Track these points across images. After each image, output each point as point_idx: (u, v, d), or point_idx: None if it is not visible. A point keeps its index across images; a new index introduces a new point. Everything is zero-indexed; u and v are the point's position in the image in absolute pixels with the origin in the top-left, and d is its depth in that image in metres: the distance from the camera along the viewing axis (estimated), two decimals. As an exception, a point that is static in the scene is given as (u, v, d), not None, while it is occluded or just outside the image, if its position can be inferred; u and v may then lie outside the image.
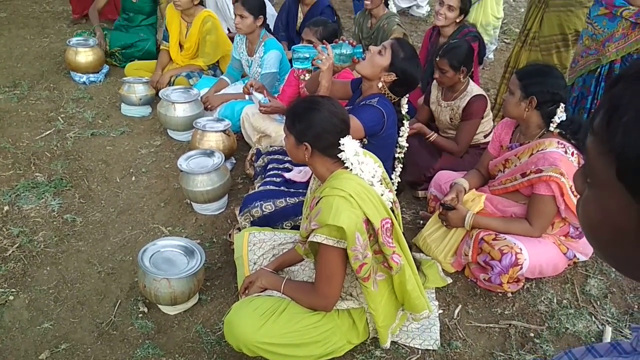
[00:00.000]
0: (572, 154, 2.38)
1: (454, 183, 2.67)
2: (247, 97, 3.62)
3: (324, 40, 2.64)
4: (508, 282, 2.43)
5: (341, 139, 1.90)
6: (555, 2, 3.32)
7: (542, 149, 2.40)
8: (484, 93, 3.18)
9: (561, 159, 2.34)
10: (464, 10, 3.56)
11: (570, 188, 2.34)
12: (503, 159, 2.61)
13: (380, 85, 2.55)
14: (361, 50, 2.58)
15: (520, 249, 2.38)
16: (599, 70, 2.85)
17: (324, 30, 3.21)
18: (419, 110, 3.49)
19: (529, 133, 2.53)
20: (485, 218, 2.52)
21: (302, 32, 3.30)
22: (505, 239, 2.42)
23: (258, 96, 3.25)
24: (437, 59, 3.06)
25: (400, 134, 2.73)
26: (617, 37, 2.70)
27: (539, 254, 2.43)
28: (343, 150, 1.89)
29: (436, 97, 3.28)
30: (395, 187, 2.84)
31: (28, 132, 3.67)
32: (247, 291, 2.14)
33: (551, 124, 2.43)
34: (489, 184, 2.74)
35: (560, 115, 2.42)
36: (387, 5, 4.20)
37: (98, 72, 4.42)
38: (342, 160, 1.92)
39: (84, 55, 4.29)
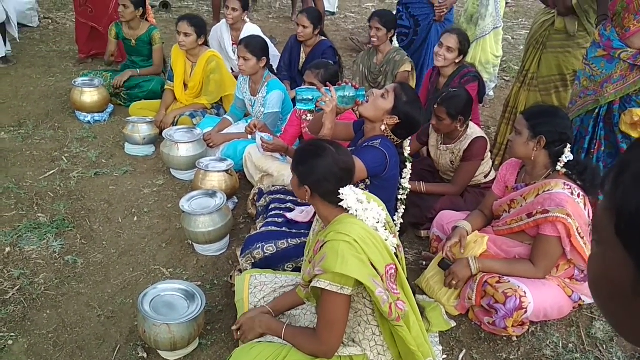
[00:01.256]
0: (579, 195, 2.38)
1: (456, 227, 2.66)
2: (249, 136, 3.66)
3: (328, 83, 2.67)
4: (512, 326, 2.39)
5: (341, 188, 1.91)
6: (553, 43, 3.37)
7: (548, 190, 2.40)
8: (484, 135, 3.20)
9: (567, 200, 2.34)
10: (463, 51, 3.62)
11: (577, 229, 2.34)
12: (508, 200, 2.61)
13: (383, 127, 2.57)
14: (364, 92, 2.61)
15: (525, 292, 2.36)
16: (597, 110, 2.87)
17: (325, 72, 3.26)
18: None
19: (535, 173, 2.53)
20: (488, 260, 2.51)
21: (304, 75, 3.35)
22: (509, 281, 2.40)
23: (262, 135, 3.28)
24: (435, 106, 3.09)
25: (403, 176, 2.74)
26: (616, 79, 2.73)
27: (543, 297, 2.41)
28: (343, 200, 1.90)
29: (435, 140, 3.30)
30: (398, 229, 2.83)
31: (32, 172, 3.69)
32: (241, 333, 2.12)
33: (558, 164, 2.44)
34: (492, 224, 2.73)
35: (568, 155, 2.43)
36: (391, 41, 4.28)
37: (103, 112, 4.47)
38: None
39: (89, 95, 4.35)
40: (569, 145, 2.43)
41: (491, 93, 5.29)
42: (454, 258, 2.57)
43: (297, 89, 2.70)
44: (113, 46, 4.88)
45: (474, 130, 3.17)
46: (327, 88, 2.59)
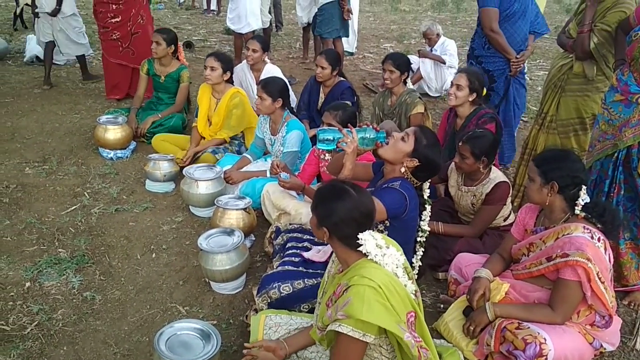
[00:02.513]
0: (599, 239, 2.36)
1: (477, 277, 2.62)
2: (268, 174, 3.71)
3: (349, 125, 2.72)
4: (532, 374, 2.33)
5: (360, 233, 1.91)
6: (572, 87, 3.38)
7: (568, 233, 2.38)
8: (507, 180, 3.19)
9: (588, 244, 2.31)
10: (474, 89, 3.64)
11: (598, 274, 2.30)
12: (527, 243, 2.59)
13: (402, 170, 2.60)
14: (384, 135, 2.64)
15: (545, 339, 2.31)
16: (616, 154, 2.86)
17: (343, 114, 3.31)
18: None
19: (553, 217, 2.52)
20: (506, 306, 2.47)
21: (323, 116, 3.41)
22: (528, 327, 2.36)
23: (280, 173, 3.32)
24: (460, 144, 3.10)
25: (423, 218, 2.74)
26: (634, 123, 2.73)
27: (564, 344, 2.35)
28: (362, 244, 1.90)
29: (456, 181, 3.31)
30: (417, 271, 2.82)
31: (54, 207, 3.77)
32: None
33: (576, 207, 2.42)
34: (511, 267, 2.70)
35: (584, 197, 2.42)
36: (405, 83, 4.34)
37: (125, 149, 4.58)
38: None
39: (113, 132, 4.47)
40: (584, 188, 2.42)
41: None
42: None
43: (318, 129, 2.75)
44: (144, 84, 5.03)
45: (497, 175, 3.17)
46: (349, 129, 2.63)
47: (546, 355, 2.29)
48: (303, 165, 3.69)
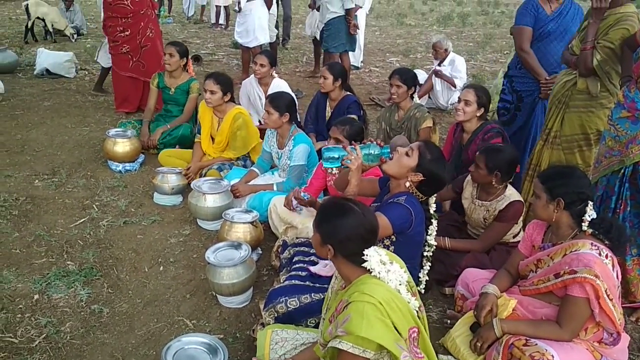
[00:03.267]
0: (607, 256, 2.36)
1: (484, 292, 2.62)
2: (275, 187, 3.75)
3: (354, 141, 2.74)
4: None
5: (366, 249, 1.92)
6: (576, 103, 3.39)
7: (575, 250, 2.38)
8: (522, 199, 3.20)
9: (595, 261, 2.31)
10: (481, 104, 3.66)
11: (606, 291, 2.30)
12: (535, 259, 2.59)
13: (407, 184, 2.61)
14: (388, 150, 2.67)
15: (553, 356, 2.29)
16: (622, 170, 2.87)
17: (350, 128, 3.34)
18: (444, 190, 3.45)
19: (560, 234, 2.52)
20: (513, 322, 2.47)
21: (330, 131, 3.43)
22: (536, 344, 2.35)
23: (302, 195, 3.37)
24: (477, 153, 3.12)
25: (429, 233, 2.75)
26: (640, 140, 2.74)
27: (572, 362, 2.34)
28: (367, 261, 1.91)
29: (470, 194, 3.31)
30: (423, 285, 2.82)
31: (63, 220, 3.80)
32: None
33: (583, 223, 2.43)
34: (519, 284, 2.70)
35: (591, 213, 2.42)
36: (412, 98, 4.36)
37: (134, 161, 4.62)
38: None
39: (122, 145, 4.51)
40: (590, 203, 2.42)
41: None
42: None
43: (323, 147, 2.77)
44: (155, 96, 5.08)
45: (512, 193, 3.17)
46: (353, 147, 2.66)
47: (554, 373, 2.29)
48: (310, 179, 3.71)
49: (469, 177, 3.34)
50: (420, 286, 2.77)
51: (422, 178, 2.58)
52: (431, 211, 2.73)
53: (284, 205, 3.52)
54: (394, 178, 2.67)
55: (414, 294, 2.02)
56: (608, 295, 2.31)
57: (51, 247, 3.46)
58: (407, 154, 2.60)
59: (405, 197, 2.59)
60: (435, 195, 2.73)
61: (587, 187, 2.47)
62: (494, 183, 3.12)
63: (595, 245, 2.37)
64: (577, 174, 2.51)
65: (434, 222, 2.75)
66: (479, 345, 2.48)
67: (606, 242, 2.41)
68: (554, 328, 2.40)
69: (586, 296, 2.32)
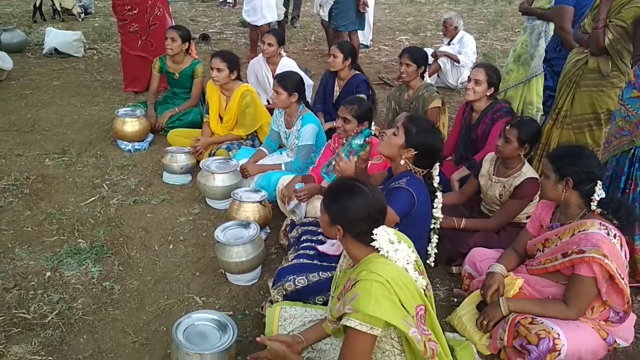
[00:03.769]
0: (615, 236, 2.36)
1: (491, 272, 2.64)
2: (283, 167, 3.77)
3: (339, 150, 2.95)
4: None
5: (375, 229, 1.94)
6: (587, 82, 3.36)
7: (584, 230, 2.39)
8: (537, 177, 3.19)
9: (604, 241, 2.32)
10: (492, 83, 3.64)
11: (616, 270, 2.30)
12: (543, 239, 2.60)
13: (402, 162, 2.64)
14: (368, 130, 2.78)
15: (559, 334, 2.32)
16: (632, 151, 2.85)
17: (359, 108, 3.33)
18: (467, 184, 3.50)
19: (569, 213, 2.52)
20: (520, 301, 2.48)
21: (338, 110, 3.42)
22: (542, 322, 2.37)
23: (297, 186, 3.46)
24: (507, 128, 3.11)
25: (435, 206, 2.74)
26: (651, 120, 2.71)
27: (577, 340, 2.36)
28: (376, 240, 1.93)
29: (487, 171, 3.30)
30: (433, 259, 2.82)
31: (74, 199, 3.84)
32: None
33: (592, 203, 2.43)
34: (526, 263, 2.71)
35: (600, 193, 2.42)
36: (422, 77, 4.33)
37: (143, 141, 4.63)
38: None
39: (131, 125, 4.53)
40: (599, 183, 2.42)
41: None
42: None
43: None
44: (157, 81, 5.06)
45: (528, 169, 3.17)
46: (337, 152, 2.84)
47: (559, 350, 2.31)
48: (319, 158, 3.72)
49: (487, 156, 3.32)
50: (429, 259, 2.79)
51: (415, 152, 2.60)
52: (435, 185, 2.72)
53: (281, 199, 3.60)
54: (389, 159, 2.72)
55: (422, 273, 2.04)
56: (620, 274, 2.32)
57: (62, 225, 3.50)
58: (394, 134, 2.64)
59: (407, 179, 2.61)
60: (436, 167, 2.71)
61: (596, 166, 2.46)
62: (522, 156, 3.13)
63: (604, 225, 2.36)
64: (586, 154, 2.50)
65: (439, 194, 2.73)
66: (485, 323, 2.50)
67: (615, 221, 2.41)
68: (560, 307, 2.41)
69: (593, 275, 2.32)
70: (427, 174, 2.71)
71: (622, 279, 2.33)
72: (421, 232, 2.72)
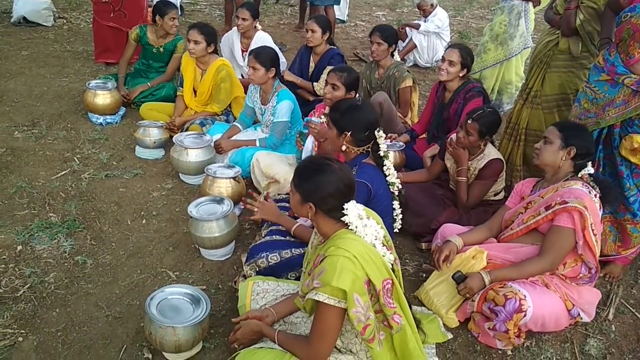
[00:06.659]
0: (595, 195, 2.54)
1: (447, 240, 2.74)
2: (257, 143, 3.78)
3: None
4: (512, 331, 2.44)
5: (345, 203, 1.98)
6: (557, 63, 3.43)
7: (567, 186, 2.56)
8: (501, 157, 3.27)
9: (586, 196, 2.49)
10: (465, 65, 3.69)
11: (591, 225, 2.45)
12: (525, 203, 2.74)
13: (344, 148, 2.73)
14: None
15: (525, 296, 2.43)
16: (597, 132, 2.93)
17: (349, 76, 3.37)
18: (433, 164, 3.58)
19: (554, 179, 2.69)
20: (498, 270, 2.59)
21: (328, 76, 3.43)
22: (510, 286, 2.48)
23: (312, 119, 3.43)
24: (469, 122, 3.15)
25: (387, 174, 2.76)
26: (618, 103, 2.78)
27: (543, 304, 2.48)
28: (346, 215, 1.97)
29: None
30: (399, 225, 2.87)
31: (44, 172, 3.78)
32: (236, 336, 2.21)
33: (580, 173, 2.63)
34: (501, 234, 2.81)
35: (589, 169, 2.63)
36: (392, 55, 4.35)
37: (115, 114, 4.57)
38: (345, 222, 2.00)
39: (102, 97, 4.45)
40: (590, 163, 2.62)
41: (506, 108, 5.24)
42: (467, 273, 2.61)
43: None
44: (131, 50, 4.93)
45: (491, 151, 3.25)
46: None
47: (525, 311, 2.42)
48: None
49: (450, 139, 3.38)
50: (396, 224, 2.83)
51: (348, 133, 2.68)
52: (381, 153, 2.73)
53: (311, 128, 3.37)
54: (337, 153, 2.77)
55: (390, 248, 2.10)
56: (593, 230, 2.47)
57: (33, 199, 3.46)
58: (328, 127, 2.76)
59: (356, 169, 2.67)
60: (380, 134, 2.71)
61: (593, 145, 2.69)
62: (482, 146, 3.21)
63: (586, 185, 2.55)
64: (588, 132, 2.73)
65: (387, 161, 2.74)
66: (469, 296, 2.59)
67: (597, 192, 2.58)
68: (535, 262, 2.56)
69: (573, 227, 2.48)
70: (374, 146, 2.74)
71: (595, 235, 2.48)
72: (386, 210, 2.75)
